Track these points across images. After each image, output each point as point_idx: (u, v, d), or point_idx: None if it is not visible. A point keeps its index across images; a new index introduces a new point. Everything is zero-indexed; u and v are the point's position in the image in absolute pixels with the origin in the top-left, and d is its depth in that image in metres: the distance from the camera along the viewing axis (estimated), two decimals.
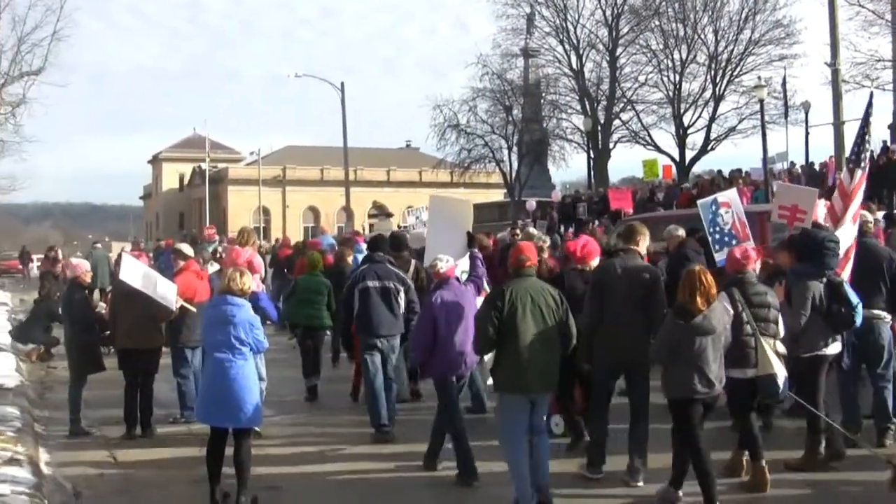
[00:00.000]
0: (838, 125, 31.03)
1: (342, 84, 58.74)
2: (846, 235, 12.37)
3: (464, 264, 12.46)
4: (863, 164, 12.99)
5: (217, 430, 10.13)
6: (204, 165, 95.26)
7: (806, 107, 54.12)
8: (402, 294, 13.50)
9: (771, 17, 59.81)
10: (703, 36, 61.91)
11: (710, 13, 61.31)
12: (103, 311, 15.24)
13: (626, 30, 63.49)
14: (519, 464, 9.57)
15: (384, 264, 13.76)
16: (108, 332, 14.03)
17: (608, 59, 63.94)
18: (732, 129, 61.57)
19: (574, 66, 65.08)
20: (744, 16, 60.26)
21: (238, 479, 9.90)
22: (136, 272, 13.50)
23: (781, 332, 10.41)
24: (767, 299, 10.34)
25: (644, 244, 11.23)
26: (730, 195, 15.47)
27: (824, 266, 11.08)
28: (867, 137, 13.33)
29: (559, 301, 9.82)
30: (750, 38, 60.35)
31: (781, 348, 10.26)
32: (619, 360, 10.67)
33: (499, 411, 10.36)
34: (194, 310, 13.96)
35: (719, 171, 45.27)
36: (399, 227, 57.74)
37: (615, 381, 11.09)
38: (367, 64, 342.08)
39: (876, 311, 11.89)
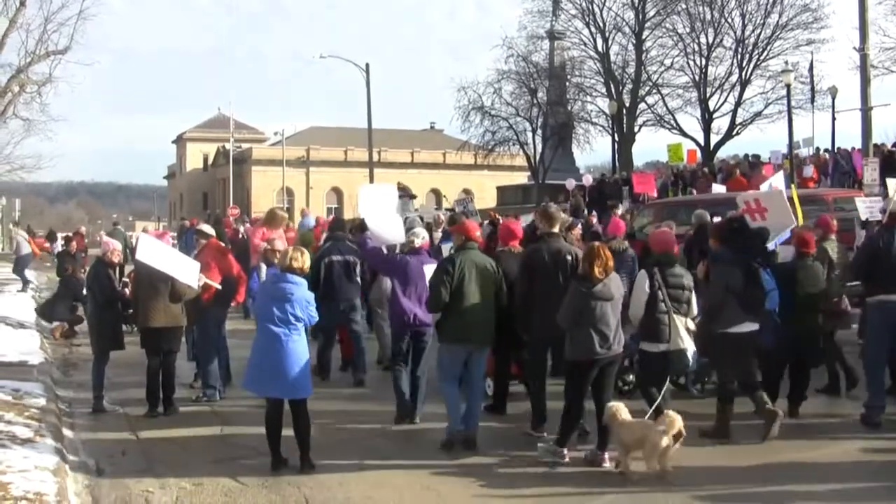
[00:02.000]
0: (866, 111, 30.84)
1: (367, 65, 58.65)
2: None
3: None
4: None
5: (274, 400, 10.66)
6: (228, 145, 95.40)
7: (833, 92, 53.75)
8: (358, 266, 16.05)
9: (799, 1, 59.38)
10: (730, 20, 61.57)
11: None
12: (127, 290, 15.25)
13: (652, 13, 63.25)
14: (454, 403, 11.50)
15: (344, 242, 16.25)
16: (132, 311, 14.07)
17: (634, 42, 63.72)
18: (758, 114, 61.24)
19: (600, 48, 64.90)
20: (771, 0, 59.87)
21: (301, 444, 10.54)
22: (154, 251, 13.51)
23: (694, 311, 11.47)
24: (683, 281, 11.40)
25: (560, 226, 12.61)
26: (780, 180, 15.44)
27: (745, 252, 11.89)
28: None
29: (496, 269, 11.79)
30: (777, 22, 59.96)
31: (692, 325, 11.29)
32: (551, 333, 11.24)
33: (440, 360, 11.92)
34: (218, 286, 14.14)
35: (746, 156, 45.13)
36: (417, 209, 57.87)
37: (547, 352, 12.18)
38: (391, 45, 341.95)
39: None
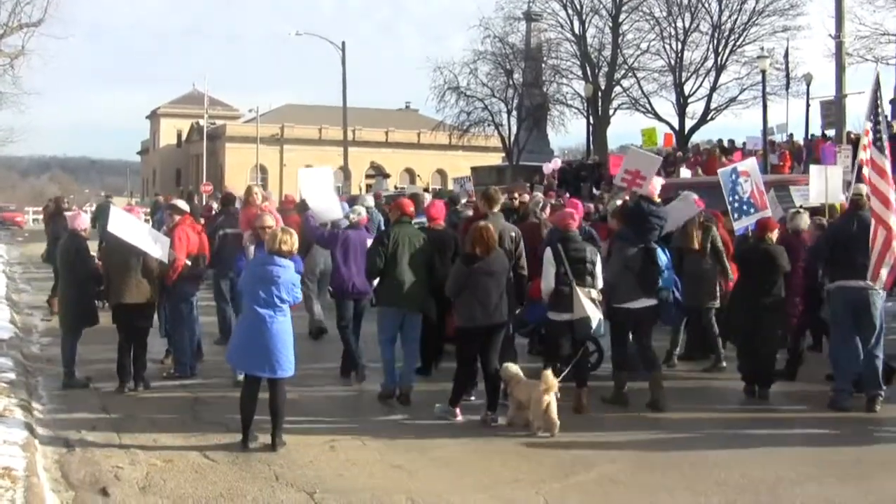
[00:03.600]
0: (840, 98, 30.94)
1: (343, 43, 58.53)
2: None
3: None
4: (882, 140, 12.91)
5: (251, 378, 10.77)
6: (202, 122, 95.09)
7: (808, 79, 53.83)
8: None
9: None
10: (706, 4, 61.52)
11: None
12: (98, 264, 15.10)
13: None
14: (388, 360, 13.00)
15: (236, 216, 16.42)
16: (104, 287, 13.98)
17: (611, 24, 63.57)
18: (733, 100, 61.23)
19: (576, 31, 64.72)
20: None
21: (274, 422, 10.62)
22: (125, 225, 13.44)
23: (599, 283, 12.42)
24: (586, 255, 12.31)
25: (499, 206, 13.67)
26: (749, 165, 15.55)
27: (644, 234, 12.90)
28: (881, 112, 13.23)
29: (428, 243, 13.09)
30: (754, 8, 59.95)
31: (595, 294, 12.25)
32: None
33: (378, 322, 13.21)
34: (188, 262, 14.14)
35: (720, 141, 45.29)
36: (396, 188, 57.89)
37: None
38: (367, 24, 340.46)
39: (871, 282, 12.18)
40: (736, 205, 14.70)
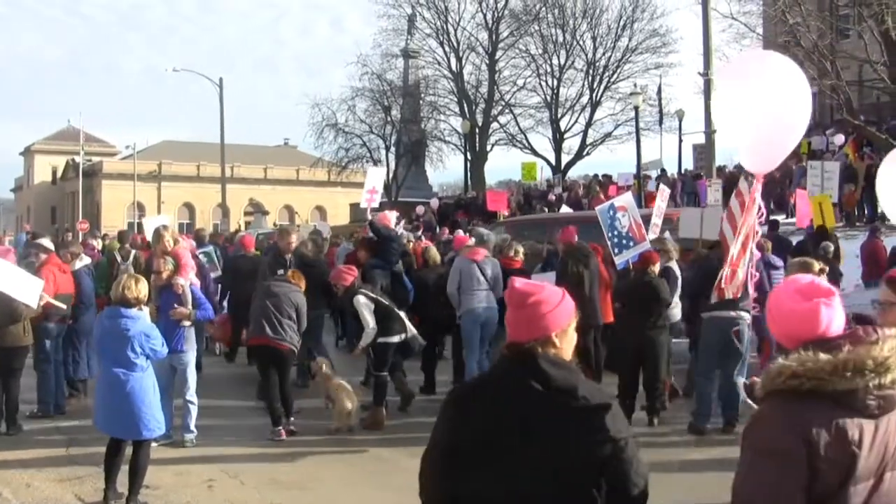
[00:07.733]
0: (709, 133, 31.77)
1: (220, 80, 58.21)
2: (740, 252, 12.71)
3: None
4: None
5: (115, 438, 9.90)
6: (78, 158, 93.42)
7: (680, 115, 55.18)
8: None
9: (648, 27, 61.20)
10: (581, 42, 62.87)
11: (589, 20, 62.33)
12: None
13: (505, 34, 64.16)
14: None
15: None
16: None
17: (487, 62, 64.48)
18: (608, 135, 62.71)
19: (453, 68, 65.55)
20: (622, 24, 61.51)
21: (130, 483, 9.66)
22: None
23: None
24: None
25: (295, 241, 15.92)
26: (626, 199, 15.86)
27: (389, 261, 15.34)
28: None
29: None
30: (627, 45, 61.58)
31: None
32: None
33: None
34: (63, 306, 13.68)
35: (595, 176, 46.06)
36: (275, 224, 57.68)
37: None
38: (246, 60, 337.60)
39: (741, 313, 12.58)
40: (616, 240, 14.92)
